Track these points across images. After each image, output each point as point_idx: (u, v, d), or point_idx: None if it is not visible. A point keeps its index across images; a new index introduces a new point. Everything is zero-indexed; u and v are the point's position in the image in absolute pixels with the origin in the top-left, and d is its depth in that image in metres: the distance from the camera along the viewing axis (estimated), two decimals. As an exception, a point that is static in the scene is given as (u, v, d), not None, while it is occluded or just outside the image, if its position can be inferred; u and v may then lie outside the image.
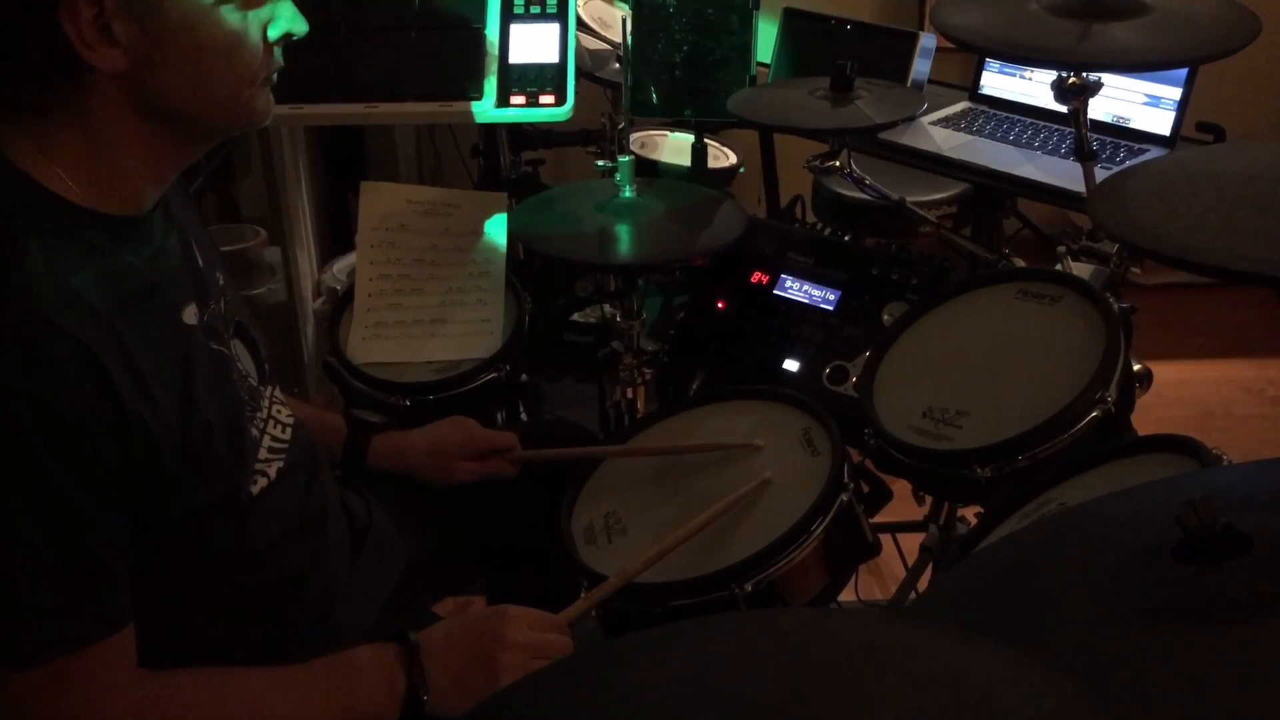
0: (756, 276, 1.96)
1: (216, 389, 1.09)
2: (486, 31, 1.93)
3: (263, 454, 1.18)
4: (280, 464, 1.19)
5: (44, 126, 1.00)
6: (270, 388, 1.24)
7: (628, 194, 1.88)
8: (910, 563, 2.09)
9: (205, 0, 1.01)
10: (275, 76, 1.11)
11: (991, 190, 2.29)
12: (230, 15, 1.03)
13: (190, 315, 1.10)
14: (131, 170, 1.05)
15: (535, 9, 1.94)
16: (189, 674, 1.08)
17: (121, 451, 0.98)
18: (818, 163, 1.85)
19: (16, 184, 0.99)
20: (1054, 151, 2.13)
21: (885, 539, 1.52)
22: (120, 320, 0.99)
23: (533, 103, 1.90)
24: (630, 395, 1.96)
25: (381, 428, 1.55)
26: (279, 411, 1.24)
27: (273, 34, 1.08)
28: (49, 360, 0.94)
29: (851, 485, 1.37)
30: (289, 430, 1.24)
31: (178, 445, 1.02)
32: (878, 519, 1.47)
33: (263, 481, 1.16)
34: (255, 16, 1.06)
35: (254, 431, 1.16)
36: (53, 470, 0.94)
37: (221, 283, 1.19)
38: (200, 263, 1.15)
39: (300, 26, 1.10)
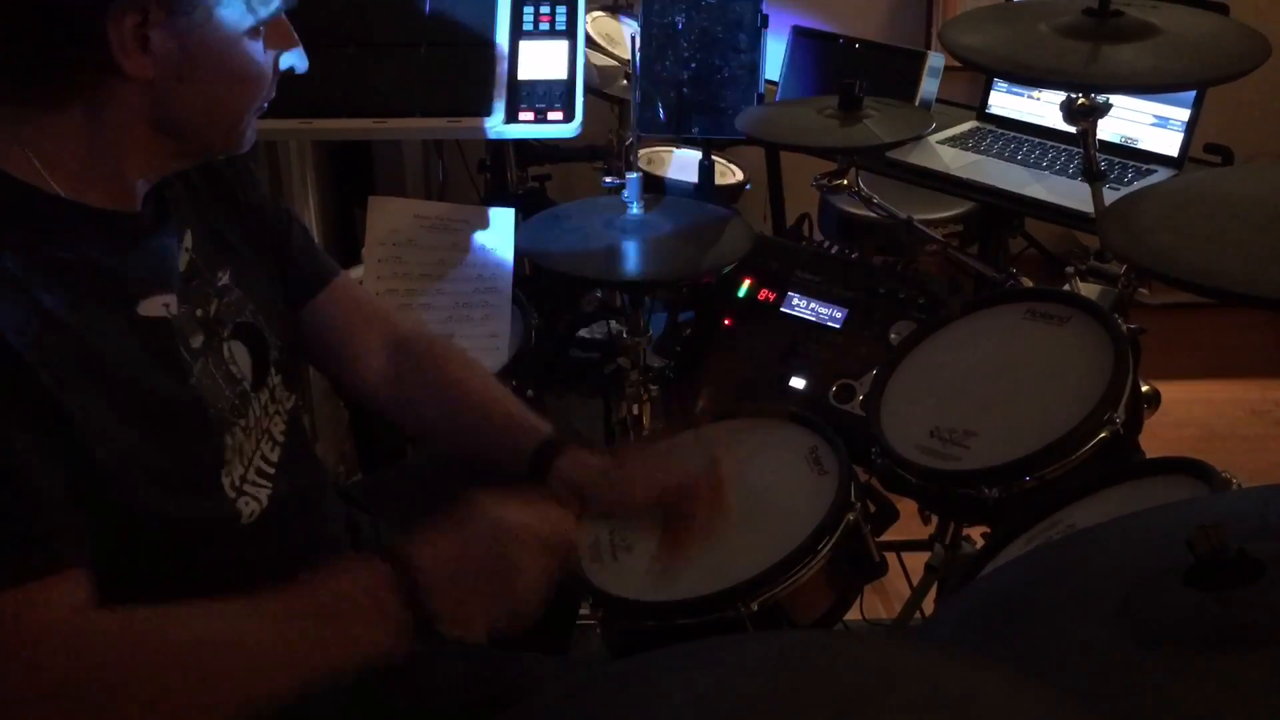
0: (763, 294, 1.96)
1: (159, 387, 1.07)
2: (496, 48, 1.93)
3: (249, 474, 1.15)
4: (270, 491, 1.17)
5: (38, 116, 1.02)
6: (262, 393, 1.22)
7: (635, 210, 1.88)
8: (915, 582, 2.08)
9: (239, 28, 1.05)
10: (265, 107, 1.14)
11: (999, 210, 2.29)
12: (256, 46, 1.08)
13: (155, 307, 1.08)
14: (124, 172, 1.07)
15: (544, 26, 1.95)
16: (147, 609, 0.97)
17: (46, 427, 0.96)
18: (825, 181, 1.86)
19: None
20: (1062, 171, 2.13)
21: (890, 557, 1.51)
22: (44, 296, 0.98)
23: (541, 119, 1.91)
24: (636, 412, 1.96)
25: (580, 441, 1.38)
26: (274, 426, 1.22)
27: (281, 66, 1.13)
28: None
29: (858, 504, 1.37)
30: (278, 450, 1.21)
31: (107, 437, 1.01)
32: (883, 537, 1.47)
33: (254, 507, 1.14)
34: (273, 50, 1.11)
35: (229, 439, 1.13)
36: None
37: (224, 282, 1.18)
38: (185, 262, 1.14)
39: (303, 64, 1.15)
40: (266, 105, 1.13)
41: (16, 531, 0.95)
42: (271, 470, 1.19)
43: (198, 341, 1.13)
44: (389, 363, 1.38)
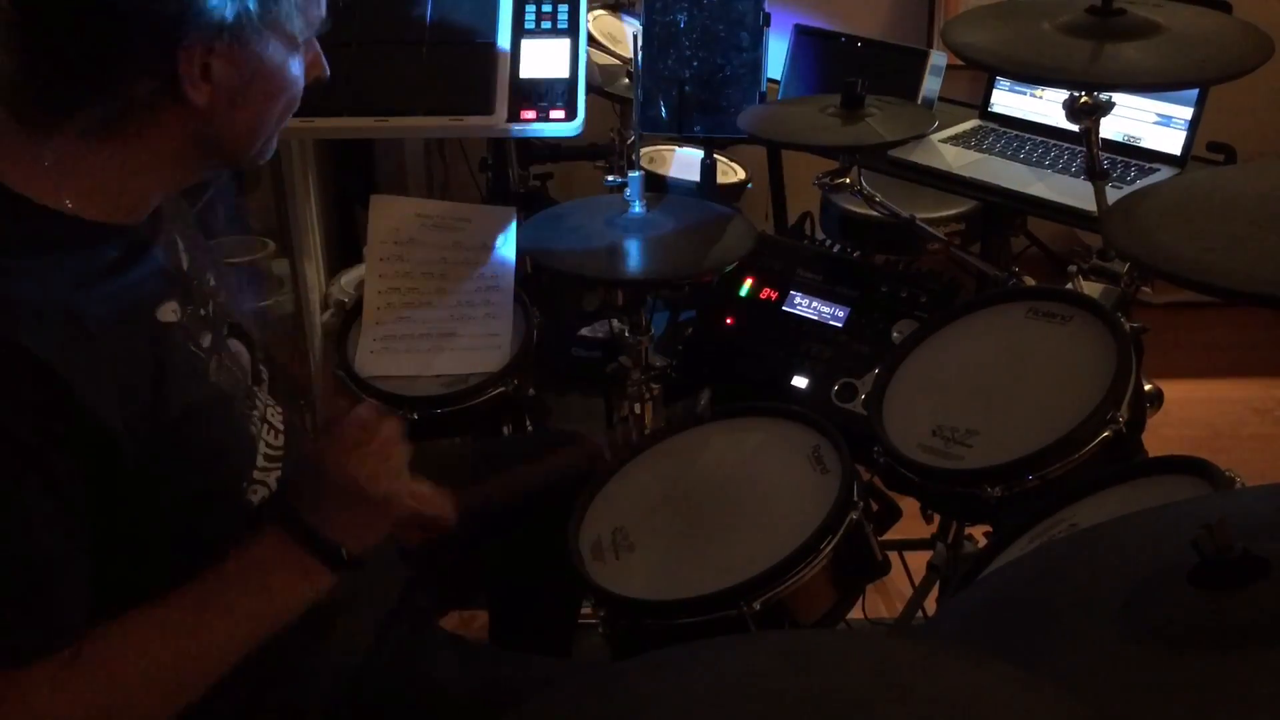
0: (765, 293, 1.96)
1: (189, 387, 1.10)
2: (498, 47, 1.93)
3: (260, 460, 1.18)
4: (279, 473, 1.19)
5: (76, 144, 1.03)
6: (262, 388, 1.25)
7: (637, 209, 1.88)
8: (917, 581, 2.08)
9: (289, 50, 1.09)
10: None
11: (1001, 208, 2.28)
12: (296, 64, 1.11)
13: (168, 313, 1.11)
14: (150, 189, 1.09)
15: (546, 24, 1.95)
16: (101, 636, 1.03)
17: (78, 461, 0.98)
18: (828, 180, 1.85)
19: None
20: (1064, 170, 2.12)
21: (892, 556, 1.51)
22: (82, 315, 1.00)
23: (543, 117, 1.90)
24: (638, 410, 1.96)
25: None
26: (273, 416, 1.25)
27: (309, 78, 1.16)
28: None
29: (861, 504, 1.37)
30: (282, 436, 1.24)
31: (141, 438, 1.03)
32: (885, 536, 1.47)
33: (263, 492, 1.17)
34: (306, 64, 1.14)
35: (252, 430, 1.18)
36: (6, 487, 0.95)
37: (212, 284, 1.20)
38: (185, 264, 1.16)
39: (326, 73, 1.18)
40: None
41: (32, 610, 0.98)
42: (278, 454, 1.21)
43: (206, 340, 1.15)
44: None
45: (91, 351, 1.00)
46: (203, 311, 1.16)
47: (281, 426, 1.25)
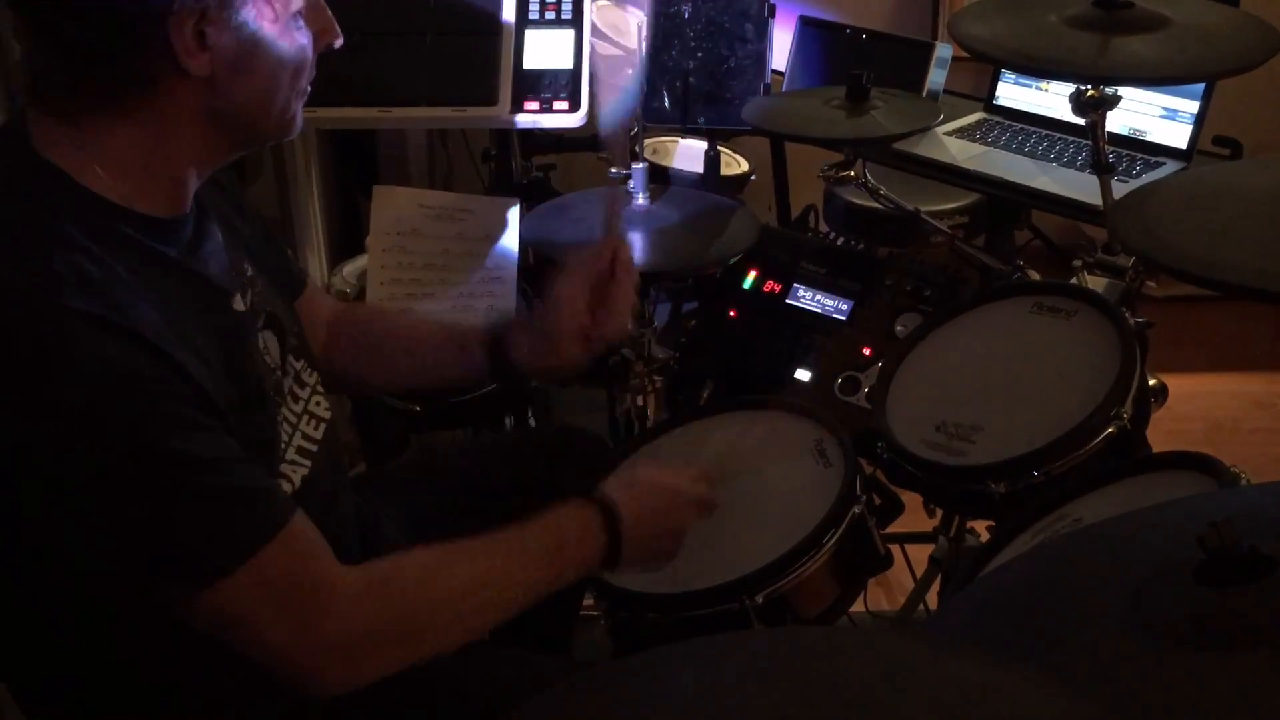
0: (769, 285, 1.96)
1: (247, 378, 1.12)
2: (501, 37, 1.93)
3: (290, 454, 1.19)
4: (306, 471, 1.20)
5: (100, 128, 1.04)
6: (301, 379, 1.26)
7: (640, 201, 1.88)
8: (919, 574, 2.08)
9: (286, 14, 1.08)
10: (309, 89, 1.16)
11: (1005, 202, 2.28)
12: (300, 29, 1.10)
13: (239, 303, 1.14)
14: (180, 172, 1.10)
15: (550, 15, 1.94)
16: (409, 557, 1.14)
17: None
18: (832, 172, 1.85)
19: (57, 181, 1.03)
20: (1070, 164, 2.12)
21: (894, 550, 1.51)
22: (163, 310, 1.02)
23: (546, 108, 1.90)
24: (640, 403, 1.96)
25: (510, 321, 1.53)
26: (317, 406, 1.26)
27: (320, 45, 1.15)
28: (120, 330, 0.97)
29: (863, 498, 1.36)
30: (323, 427, 1.25)
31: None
32: (887, 530, 1.46)
33: (286, 487, 1.17)
34: (313, 29, 1.13)
35: (278, 425, 1.18)
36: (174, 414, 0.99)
37: (250, 274, 1.21)
38: (229, 256, 1.17)
39: (339, 39, 1.18)
40: (310, 87, 1.15)
41: (252, 494, 1.04)
42: (314, 449, 1.23)
43: (255, 330, 1.17)
44: (334, 334, 1.44)
45: (181, 343, 1.02)
46: (248, 302, 1.18)
47: (327, 416, 1.26)
